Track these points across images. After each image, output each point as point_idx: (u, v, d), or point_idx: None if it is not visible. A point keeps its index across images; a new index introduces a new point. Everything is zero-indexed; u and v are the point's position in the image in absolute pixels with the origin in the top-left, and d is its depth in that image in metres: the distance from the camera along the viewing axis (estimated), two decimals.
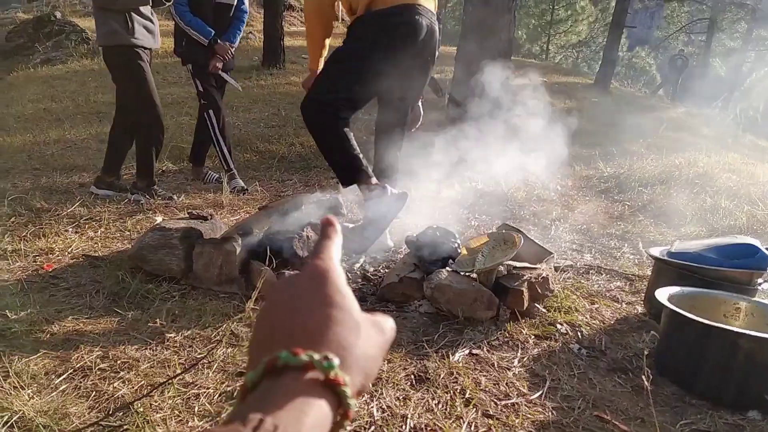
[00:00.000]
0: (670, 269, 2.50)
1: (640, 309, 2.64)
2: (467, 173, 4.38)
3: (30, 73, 9.42)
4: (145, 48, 3.59)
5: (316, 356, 0.37)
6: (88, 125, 6.38)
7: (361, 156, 2.72)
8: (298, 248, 2.58)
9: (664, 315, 2.13)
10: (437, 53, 2.83)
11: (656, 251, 2.67)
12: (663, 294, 2.17)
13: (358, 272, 2.77)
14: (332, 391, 0.37)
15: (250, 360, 0.40)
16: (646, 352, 2.15)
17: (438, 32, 2.74)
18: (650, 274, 2.72)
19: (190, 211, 2.92)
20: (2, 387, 1.66)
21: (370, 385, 1.55)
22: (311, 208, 2.75)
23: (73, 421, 1.54)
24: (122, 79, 3.59)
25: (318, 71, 2.89)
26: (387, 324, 0.45)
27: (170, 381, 1.70)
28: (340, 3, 2.81)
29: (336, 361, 0.37)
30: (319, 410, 0.36)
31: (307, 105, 2.70)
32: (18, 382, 1.68)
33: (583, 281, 2.89)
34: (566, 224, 3.86)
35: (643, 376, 1.95)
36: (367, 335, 0.42)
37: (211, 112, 4.10)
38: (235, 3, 4.09)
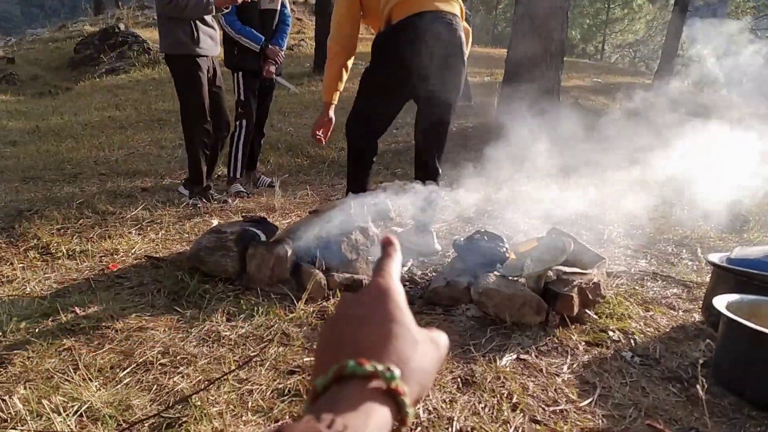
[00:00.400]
0: (729, 276, 2.41)
1: (697, 317, 2.55)
2: (516, 176, 4.35)
3: (96, 82, 9.93)
4: (208, 56, 3.74)
5: (380, 367, 0.41)
6: (150, 132, 6.68)
7: (362, 184, 3.01)
8: (346, 251, 2.63)
9: (722, 323, 2.06)
10: (465, 54, 2.84)
11: (715, 257, 2.58)
12: (721, 302, 2.10)
13: (406, 275, 2.80)
14: (393, 399, 0.41)
15: (316, 366, 0.45)
16: (701, 361, 2.09)
17: (460, 33, 2.76)
18: (709, 281, 2.63)
19: (244, 214, 3.02)
20: (73, 378, 1.77)
21: (426, 396, 1.58)
22: (360, 211, 2.79)
23: (135, 412, 1.63)
24: (180, 87, 3.75)
25: (331, 103, 3.04)
26: (441, 339, 0.49)
27: (225, 377, 1.78)
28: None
29: (397, 372, 0.41)
30: (381, 415, 0.40)
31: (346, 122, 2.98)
32: (87, 374, 1.80)
33: (637, 287, 2.82)
34: (620, 229, 3.77)
35: (699, 386, 1.90)
36: (423, 350, 0.45)
37: (244, 122, 4.20)
38: (278, 8, 4.20)
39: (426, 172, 2.99)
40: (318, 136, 3.11)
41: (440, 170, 3.05)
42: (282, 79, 4.36)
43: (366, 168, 3.02)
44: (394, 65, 2.72)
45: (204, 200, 3.86)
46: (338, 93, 3.03)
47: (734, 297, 2.18)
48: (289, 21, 4.36)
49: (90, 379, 1.78)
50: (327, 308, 2.39)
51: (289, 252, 2.56)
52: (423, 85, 2.74)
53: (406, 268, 2.87)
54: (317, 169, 5.16)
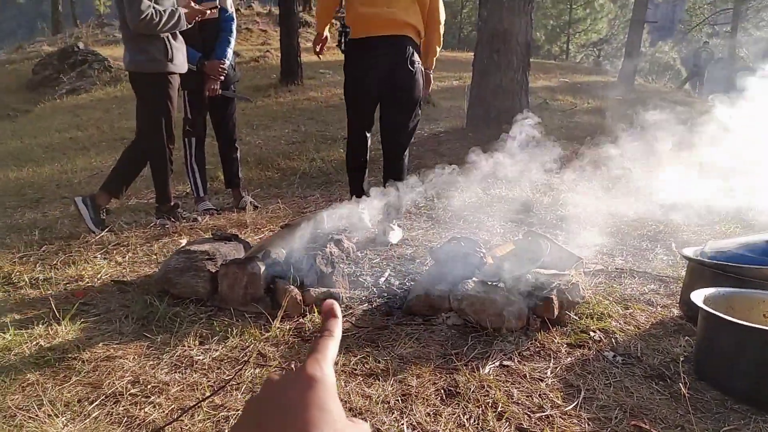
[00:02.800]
0: (705, 270, 2.42)
1: (675, 312, 2.56)
2: (491, 179, 4.35)
3: (56, 103, 9.69)
4: (179, 73, 3.61)
5: None
6: (113, 151, 6.51)
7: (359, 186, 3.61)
8: (321, 265, 2.57)
9: (701, 317, 2.06)
10: (414, 65, 3.32)
11: (690, 251, 2.59)
12: (699, 296, 2.10)
13: (384, 286, 2.75)
14: None
15: None
16: (682, 358, 2.09)
17: (407, 47, 3.27)
18: (684, 275, 2.64)
19: (213, 232, 2.94)
20: (37, 416, 1.68)
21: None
22: (333, 222, 2.74)
23: None
24: (149, 106, 3.61)
25: (323, 35, 3.54)
26: (365, 428, 0.45)
27: (199, 404, 1.70)
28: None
29: None
30: None
31: None
32: (52, 410, 1.70)
33: (615, 285, 2.82)
34: (595, 227, 3.78)
35: (681, 383, 1.89)
36: None
37: (193, 140, 4.05)
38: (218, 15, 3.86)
39: (390, 172, 3.49)
40: (317, 50, 3.59)
41: (404, 169, 3.53)
42: (231, 93, 4.12)
43: (362, 176, 3.63)
44: (354, 80, 3.38)
45: (172, 219, 3.75)
46: (328, 26, 3.59)
47: (711, 291, 2.18)
48: (232, 26, 4.05)
49: (56, 414, 1.69)
50: (304, 324, 2.32)
51: (262, 269, 2.49)
52: (377, 92, 3.35)
53: (383, 279, 2.82)
54: (288, 182, 5.08)
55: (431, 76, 3.69)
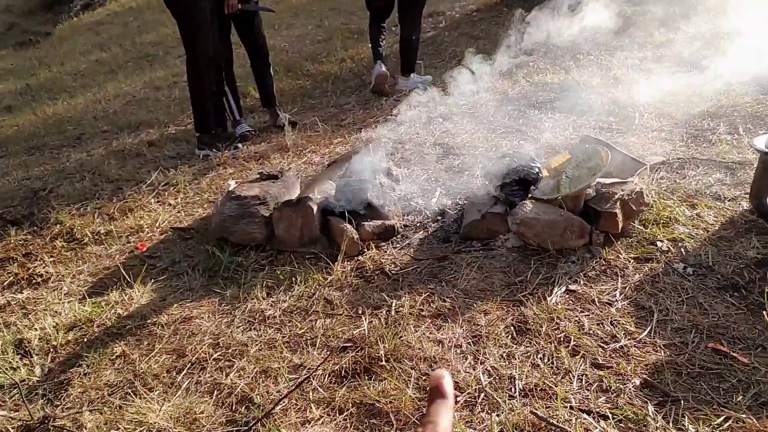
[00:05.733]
0: None
1: (745, 205, 2.43)
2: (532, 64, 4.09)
3: (74, 22, 9.45)
4: None
5: None
6: (141, 72, 6.39)
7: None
8: (373, 198, 2.53)
9: None
10: None
11: (761, 141, 2.40)
12: None
13: (437, 208, 2.70)
14: None
15: None
16: (757, 261, 2.01)
17: None
18: (756, 167, 2.46)
19: (260, 171, 2.90)
20: (131, 393, 1.78)
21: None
22: (378, 154, 2.65)
23: (203, 423, 1.65)
24: (181, 29, 3.52)
25: None
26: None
27: (289, 395, 1.76)
28: None
29: None
30: None
31: None
32: (144, 385, 1.81)
33: (678, 180, 2.68)
34: (651, 109, 3.53)
35: (756, 292, 1.83)
36: None
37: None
38: None
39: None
40: None
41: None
42: (252, 5, 3.87)
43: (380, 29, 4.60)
44: None
45: (214, 150, 3.72)
46: None
47: None
48: None
49: (149, 389, 1.80)
50: (364, 264, 2.34)
51: (315, 209, 2.47)
52: None
53: (435, 200, 2.76)
54: (321, 90, 4.90)
55: None
